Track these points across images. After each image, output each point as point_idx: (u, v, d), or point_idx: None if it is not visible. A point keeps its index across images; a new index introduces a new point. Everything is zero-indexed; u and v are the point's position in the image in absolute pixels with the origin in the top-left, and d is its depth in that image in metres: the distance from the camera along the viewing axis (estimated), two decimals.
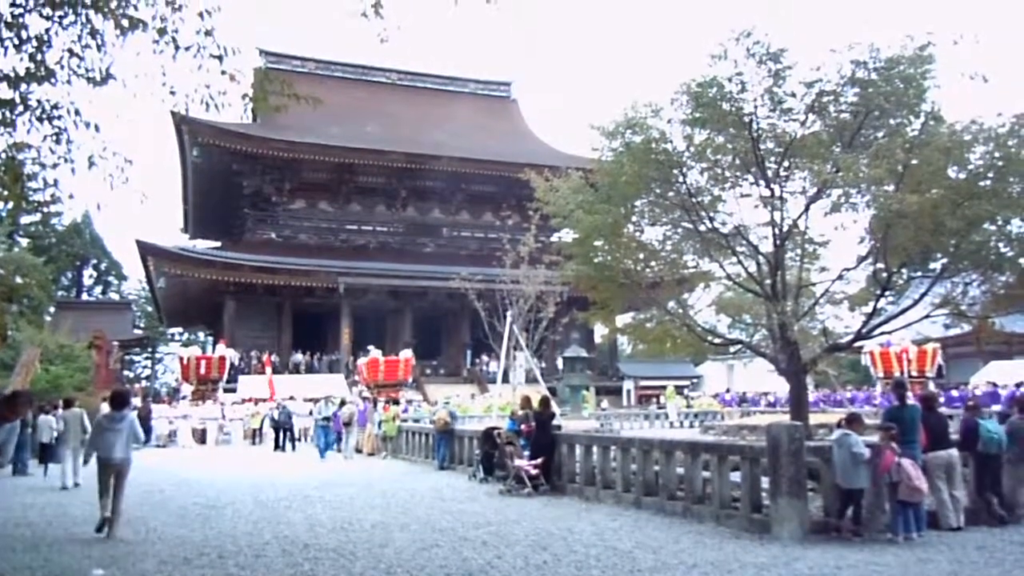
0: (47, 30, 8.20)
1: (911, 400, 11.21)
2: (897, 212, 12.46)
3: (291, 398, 32.56)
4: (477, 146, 48.99)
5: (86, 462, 11.36)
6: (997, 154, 12.76)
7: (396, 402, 29.75)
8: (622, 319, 20.55)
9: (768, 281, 14.94)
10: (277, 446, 27.53)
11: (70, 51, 8.36)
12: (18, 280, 33.96)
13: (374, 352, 36.38)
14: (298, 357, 43.43)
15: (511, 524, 10.95)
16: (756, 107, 13.93)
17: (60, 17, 8.15)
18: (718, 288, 18.05)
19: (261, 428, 30.92)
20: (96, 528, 10.35)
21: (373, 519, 11.53)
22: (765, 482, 10.21)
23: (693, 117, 14.35)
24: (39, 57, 8.21)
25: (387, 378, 34.67)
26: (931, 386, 33.43)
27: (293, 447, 27.66)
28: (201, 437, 30.95)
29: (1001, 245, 13.48)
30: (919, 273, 15.91)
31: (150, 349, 67.51)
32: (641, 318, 18.64)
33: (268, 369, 36.93)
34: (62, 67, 8.38)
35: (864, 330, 15.15)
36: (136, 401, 33.92)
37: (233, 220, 49.42)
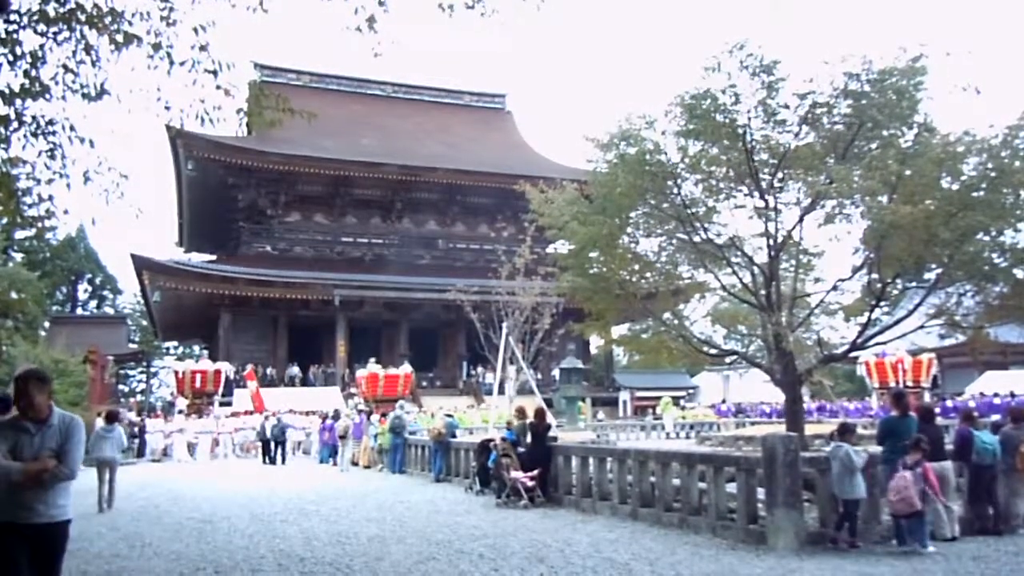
0: (41, 46, 8.23)
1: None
2: (891, 223, 12.50)
3: (290, 411, 32.54)
4: (472, 158, 49.05)
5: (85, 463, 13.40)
6: (990, 165, 12.82)
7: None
8: (618, 330, 20.60)
9: (763, 292, 14.97)
10: (269, 459, 27.49)
11: (65, 67, 8.39)
12: (12, 295, 33.91)
13: (374, 366, 36.34)
14: (294, 370, 43.36)
15: (508, 536, 10.93)
16: (750, 119, 13.98)
17: (55, 33, 8.18)
18: (713, 299, 18.12)
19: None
20: (98, 510, 14.16)
21: (369, 532, 11.51)
22: (761, 493, 10.21)
23: (687, 129, 14.40)
24: (34, 73, 8.24)
25: (386, 393, 34.67)
26: (927, 396, 33.52)
27: (283, 460, 27.63)
28: (203, 450, 30.85)
29: (995, 256, 13.51)
30: (913, 284, 15.98)
31: (145, 363, 67.31)
32: (636, 329, 18.66)
33: (251, 383, 36.72)
34: (57, 83, 8.41)
35: (859, 340, 15.18)
36: (131, 415, 33.96)
37: (228, 233, 49.40)
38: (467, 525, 12.12)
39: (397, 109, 56.19)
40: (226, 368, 37.93)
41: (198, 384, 36.45)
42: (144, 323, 66.14)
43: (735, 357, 18.00)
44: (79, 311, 70.24)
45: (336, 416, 27.24)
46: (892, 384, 33.88)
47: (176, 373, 38.30)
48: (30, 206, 9.63)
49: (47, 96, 8.40)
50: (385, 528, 11.94)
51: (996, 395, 30.79)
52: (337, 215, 49.00)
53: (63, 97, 8.50)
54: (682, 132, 14.57)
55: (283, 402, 34.64)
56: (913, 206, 12.33)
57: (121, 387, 62.19)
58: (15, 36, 8.06)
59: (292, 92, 16.76)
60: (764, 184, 14.57)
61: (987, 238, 13.30)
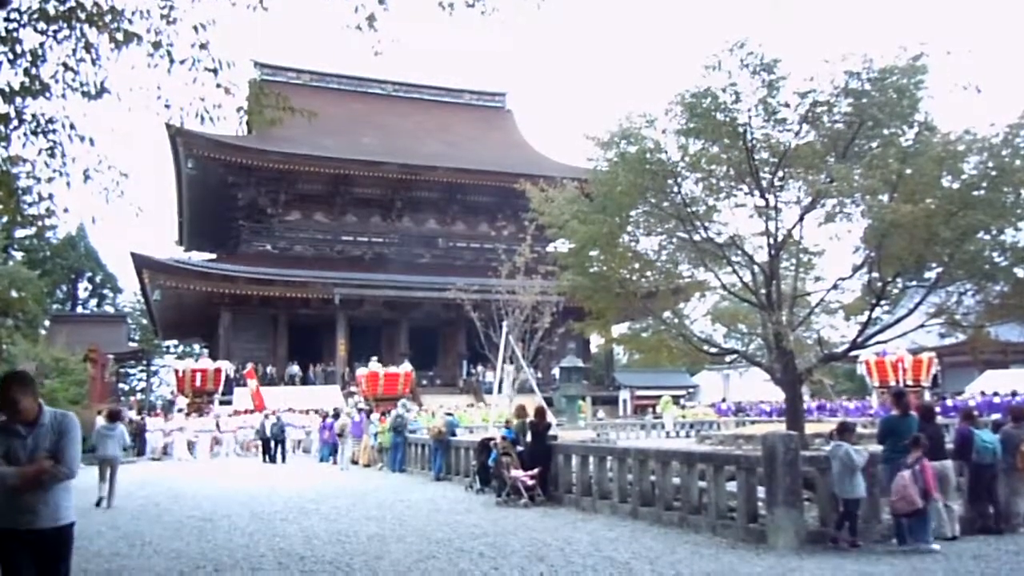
0: (41, 44, 8.23)
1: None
2: (891, 222, 12.49)
3: (290, 409, 32.53)
4: (472, 157, 49.02)
5: (87, 461, 12.80)
6: (991, 164, 12.82)
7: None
8: (618, 329, 20.57)
9: (763, 291, 14.96)
10: (269, 458, 27.51)
11: (65, 65, 8.38)
12: (13, 294, 33.90)
13: (374, 364, 36.34)
14: (294, 368, 43.36)
15: (508, 535, 10.93)
16: (750, 117, 13.97)
17: (55, 31, 8.17)
18: (713, 298, 18.10)
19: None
20: (96, 504, 14.40)
21: (369, 531, 11.51)
22: (761, 492, 10.21)
23: (687, 127, 14.39)
24: (34, 71, 8.23)
25: (387, 391, 34.69)
26: (927, 395, 33.52)
27: (283, 459, 27.65)
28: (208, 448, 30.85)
29: (995, 254, 13.51)
30: (914, 283, 15.94)
31: (145, 362, 67.32)
32: (637, 328, 18.66)
33: (252, 381, 36.69)
34: (57, 81, 8.40)
35: (859, 339, 15.17)
36: (132, 414, 33.95)
37: (228, 232, 49.39)
38: (467, 524, 12.12)
39: (397, 108, 56.16)
40: (226, 367, 37.94)
41: (198, 383, 36.44)
42: (144, 322, 66.14)
43: (735, 356, 18.00)
44: (79, 310, 70.22)
45: (337, 415, 27.25)
46: (892, 383, 33.88)
47: (176, 372, 38.31)
48: (30, 204, 9.63)
49: (47, 94, 8.39)
50: (385, 527, 11.94)
51: (996, 394, 30.81)
52: (337, 214, 48.98)
53: (63, 95, 8.50)
54: (682, 131, 14.56)
55: (284, 401, 34.66)
56: (914, 205, 12.32)
57: (121, 386, 62.17)
58: (15, 34, 8.05)
59: (292, 91, 16.76)
60: (764, 183, 14.56)
61: (988, 237, 13.29)
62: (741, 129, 13.96)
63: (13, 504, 4.88)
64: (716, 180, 15.06)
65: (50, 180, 8.92)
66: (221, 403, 35.70)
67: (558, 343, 34.31)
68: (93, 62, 8.46)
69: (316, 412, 32.24)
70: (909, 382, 34.37)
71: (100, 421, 20.70)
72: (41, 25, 8.08)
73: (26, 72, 8.21)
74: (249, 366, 38.54)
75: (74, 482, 5.20)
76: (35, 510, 4.90)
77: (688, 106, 14.07)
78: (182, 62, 8.46)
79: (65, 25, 8.14)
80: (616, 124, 15.15)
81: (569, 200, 16.82)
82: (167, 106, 8.77)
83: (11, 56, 8.09)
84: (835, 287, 15.44)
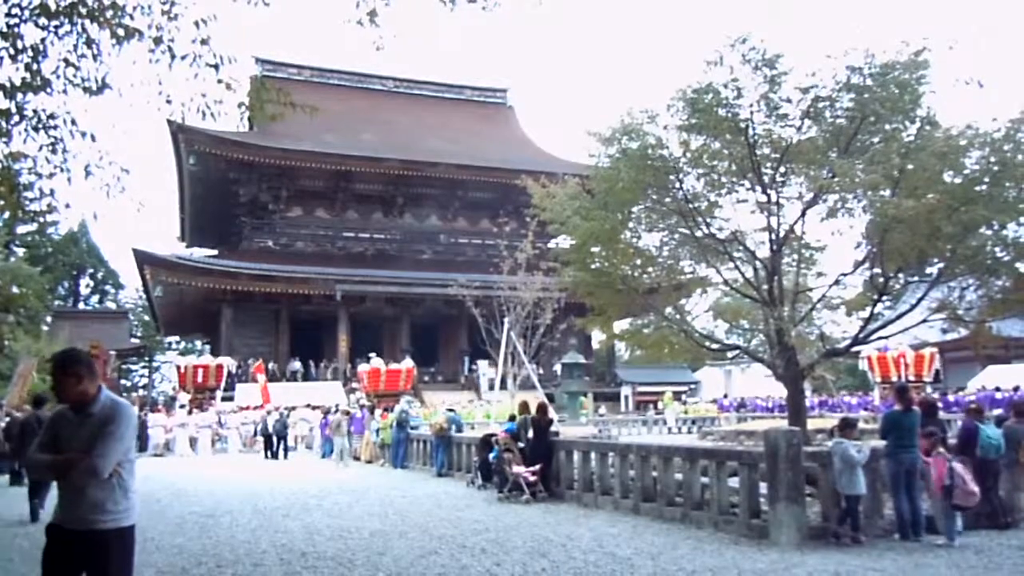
0: (43, 40, 8.21)
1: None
2: (893, 217, 12.46)
3: (293, 408, 32.57)
4: (474, 153, 49.04)
5: None
6: (993, 159, 12.78)
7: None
8: (619, 325, 20.52)
9: (765, 287, 14.94)
10: (271, 454, 27.55)
11: (66, 61, 8.37)
12: (15, 290, 33.95)
13: (376, 361, 36.39)
14: (296, 365, 43.41)
15: (510, 531, 10.94)
16: (752, 113, 13.92)
17: (56, 27, 8.16)
18: (715, 294, 18.04)
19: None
20: None
21: (371, 527, 11.51)
22: (763, 488, 10.21)
23: (689, 123, 14.34)
24: (35, 67, 8.21)
25: (388, 387, 34.78)
26: (928, 391, 33.55)
27: (286, 455, 27.70)
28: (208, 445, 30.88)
29: (997, 250, 13.48)
30: (916, 278, 15.91)
31: (147, 358, 67.39)
32: (638, 324, 18.62)
33: (261, 376, 36.73)
34: (58, 77, 8.39)
35: (861, 335, 15.15)
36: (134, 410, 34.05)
37: (230, 228, 49.41)
38: (469, 520, 12.13)
39: (399, 104, 56.13)
40: (228, 363, 38.00)
41: (200, 379, 36.52)
42: (146, 318, 66.22)
43: (737, 352, 17.97)
44: (81, 306, 70.31)
45: (337, 410, 27.32)
46: (894, 378, 33.91)
47: (178, 368, 38.38)
48: (32, 200, 9.62)
49: (48, 90, 8.38)
50: (387, 522, 11.95)
51: (998, 389, 30.82)
52: (339, 210, 49.01)
53: (64, 91, 8.48)
54: (684, 127, 14.51)
55: (290, 396, 34.76)
56: (915, 200, 12.29)
57: (123, 382, 62.25)
58: (16, 30, 8.04)
59: (293, 87, 16.77)
60: (766, 178, 14.52)
61: (989, 232, 13.26)
62: (743, 125, 13.92)
63: (61, 499, 4.58)
64: (718, 176, 15.03)
65: (51, 176, 8.91)
66: (223, 399, 35.76)
67: (560, 339, 34.35)
68: (94, 58, 8.44)
69: (319, 408, 32.30)
70: (911, 377, 34.41)
71: None
72: (42, 20, 8.06)
73: (27, 68, 8.19)
74: (259, 362, 38.61)
75: (135, 483, 4.73)
76: (72, 508, 4.50)
77: (690, 102, 14.03)
78: (183, 58, 8.44)
79: (66, 20, 8.12)
80: (618, 120, 15.11)
81: (571, 196, 16.79)
82: (168, 102, 8.75)
83: (12, 52, 8.07)
84: (837, 283, 15.40)
